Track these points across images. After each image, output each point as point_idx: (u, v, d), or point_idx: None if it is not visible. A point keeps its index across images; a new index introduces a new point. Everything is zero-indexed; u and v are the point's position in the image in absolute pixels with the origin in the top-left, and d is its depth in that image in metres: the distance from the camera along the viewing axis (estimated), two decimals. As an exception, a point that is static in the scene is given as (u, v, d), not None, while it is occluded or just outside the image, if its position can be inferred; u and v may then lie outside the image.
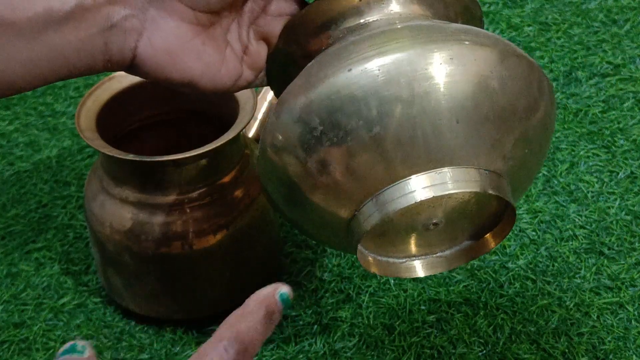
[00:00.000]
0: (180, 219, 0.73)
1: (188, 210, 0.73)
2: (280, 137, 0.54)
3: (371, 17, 0.57)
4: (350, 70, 0.51)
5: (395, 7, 0.57)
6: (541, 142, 0.57)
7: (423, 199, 0.52)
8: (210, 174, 0.73)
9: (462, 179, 0.53)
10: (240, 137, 0.75)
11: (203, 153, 0.70)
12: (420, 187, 0.53)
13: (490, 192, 0.53)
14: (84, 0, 0.51)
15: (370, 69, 0.51)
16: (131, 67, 0.55)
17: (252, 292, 0.80)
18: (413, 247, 0.61)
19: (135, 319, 0.78)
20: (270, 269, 0.80)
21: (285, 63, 0.60)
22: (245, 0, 0.57)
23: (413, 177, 0.53)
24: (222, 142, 0.71)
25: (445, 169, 0.52)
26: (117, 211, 0.73)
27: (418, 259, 0.61)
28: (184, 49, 0.54)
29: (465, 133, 0.52)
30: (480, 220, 0.59)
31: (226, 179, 0.74)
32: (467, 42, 0.52)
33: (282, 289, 0.53)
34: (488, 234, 0.60)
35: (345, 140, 0.52)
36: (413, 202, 0.53)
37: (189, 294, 0.75)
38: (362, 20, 0.57)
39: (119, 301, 0.78)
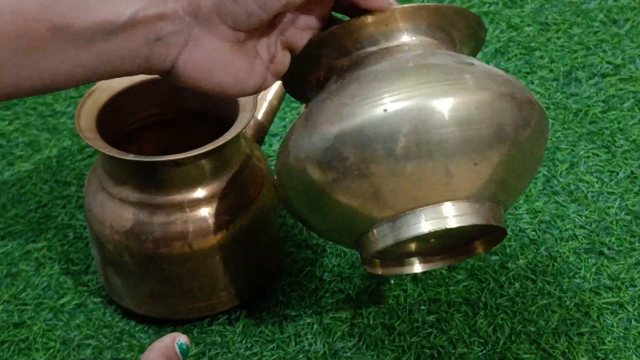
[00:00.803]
0: (180, 219, 0.73)
1: (188, 210, 0.73)
2: (310, 156, 0.59)
3: (390, 44, 0.62)
4: (385, 110, 0.57)
5: (411, 37, 0.62)
6: (535, 169, 0.64)
7: (436, 229, 0.59)
8: (210, 174, 0.73)
9: (470, 212, 0.60)
10: (240, 137, 0.75)
11: (203, 153, 0.71)
12: (434, 217, 0.59)
13: (492, 223, 0.61)
14: (136, 14, 0.55)
15: (405, 111, 0.57)
16: (167, 74, 0.59)
17: (252, 292, 0.80)
18: (412, 251, 0.67)
19: (135, 319, 0.78)
20: (270, 269, 0.80)
21: (305, 71, 0.64)
22: (277, 16, 0.60)
23: (428, 207, 0.59)
24: (222, 142, 0.71)
25: (456, 203, 0.59)
26: (117, 211, 0.73)
27: (415, 257, 0.67)
28: (220, 65, 0.58)
29: (479, 173, 0.59)
30: (473, 232, 0.65)
31: (226, 179, 0.74)
32: (491, 91, 0.58)
33: (180, 339, 0.58)
34: (477, 242, 0.67)
35: (373, 172, 0.58)
36: (426, 231, 0.59)
37: (189, 294, 0.75)
38: (382, 46, 0.62)
39: (118, 301, 0.78)
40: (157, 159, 0.70)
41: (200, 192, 0.73)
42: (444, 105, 0.57)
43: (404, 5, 0.61)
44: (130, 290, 0.76)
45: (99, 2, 0.54)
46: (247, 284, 0.77)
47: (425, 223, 0.59)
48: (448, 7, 0.63)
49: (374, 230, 0.61)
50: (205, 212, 0.73)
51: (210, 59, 0.58)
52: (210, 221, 0.73)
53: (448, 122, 0.57)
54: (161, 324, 0.78)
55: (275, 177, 0.64)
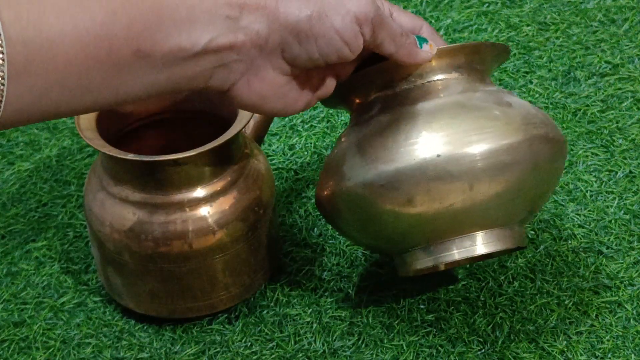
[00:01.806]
0: (180, 218, 0.73)
1: (188, 210, 0.73)
2: (368, 188, 0.66)
3: (433, 78, 0.68)
4: (439, 156, 0.64)
5: (452, 72, 0.68)
6: (556, 184, 0.72)
7: (471, 255, 0.68)
8: (211, 174, 0.73)
9: (503, 238, 0.68)
10: (240, 137, 0.75)
11: (203, 153, 0.71)
12: (470, 245, 0.68)
13: (519, 245, 0.69)
14: (210, 43, 0.58)
15: (455, 157, 0.64)
16: (222, 93, 0.63)
17: (252, 291, 0.80)
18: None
19: (135, 318, 0.79)
20: (269, 268, 0.80)
21: (347, 93, 0.70)
22: None
23: (464, 236, 0.67)
24: (222, 142, 0.71)
25: (488, 232, 0.68)
26: (117, 210, 0.73)
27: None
28: (273, 94, 0.63)
29: (514, 206, 0.67)
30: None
31: (226, 178, 0.74)
32: (531, 135, 0.66)
33: None
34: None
35: (424, 206, 0.65)
36: (459, 258, 0.68)
37: (189, 293, 0.76)
38: (425, 81, 0.68)
39: (118, 300, 0.78)
40: (157, 159, 0.70)
41: (200, 192, 0.73)
42: (492, 152, 0.64)
43: (448, 46, 0.67)
44: (130, 289, 0.77)
45: (176, 29, 0.57)
46: (246, 283, 0.78)
47: (457, 251, 0.68)
48: (484, 44, 0.70)
49: (416, 250, 0.69)
50: (205, 211, 0.73)
51: (265, 88, 0.62)
52: (210, 221, 0.73)
53: (494, 166, 0.64)
54: (161, 323, 0.78)
55: (324, 194, 0.70)
